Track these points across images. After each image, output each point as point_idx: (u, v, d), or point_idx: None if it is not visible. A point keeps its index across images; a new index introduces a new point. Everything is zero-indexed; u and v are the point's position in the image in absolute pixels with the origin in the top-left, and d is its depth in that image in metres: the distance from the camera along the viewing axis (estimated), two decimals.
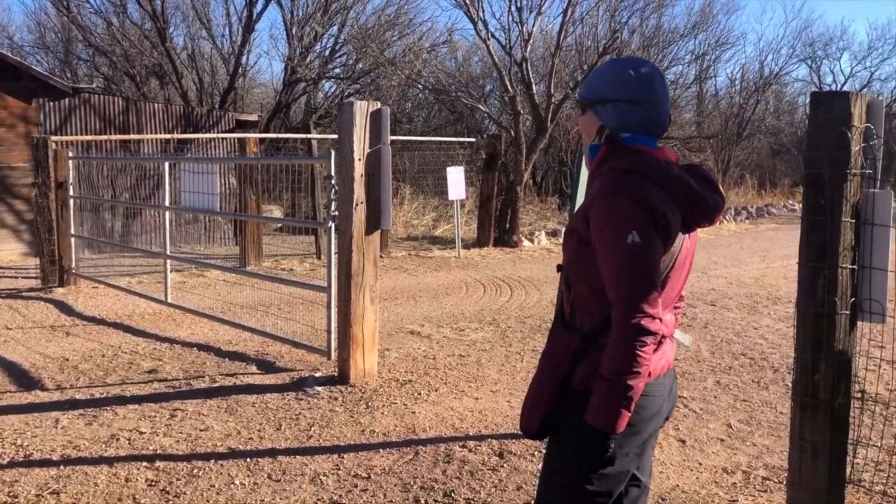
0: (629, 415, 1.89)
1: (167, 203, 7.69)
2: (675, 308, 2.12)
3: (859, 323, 3.10)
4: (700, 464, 3.91)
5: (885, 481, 3.59)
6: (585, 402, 1.95)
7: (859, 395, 4.38)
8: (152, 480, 3.67)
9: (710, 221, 2.04)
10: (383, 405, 4.76)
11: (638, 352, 1.85)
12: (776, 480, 3.68)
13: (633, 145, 2.01)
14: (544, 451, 2.19)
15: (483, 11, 13.66)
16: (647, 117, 2.03)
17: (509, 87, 13.63)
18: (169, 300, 7.45)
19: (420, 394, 5.00)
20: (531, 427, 2.09)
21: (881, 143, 2.93)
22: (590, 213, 1.94)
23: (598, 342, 1.96)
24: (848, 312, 3.02)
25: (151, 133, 13.30)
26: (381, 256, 5.38)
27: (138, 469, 3.79)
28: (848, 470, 3.30)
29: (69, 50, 22.83)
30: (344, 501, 3.48)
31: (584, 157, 2.29)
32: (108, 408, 4.69)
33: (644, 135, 2.03)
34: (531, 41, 13.91)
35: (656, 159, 1.98)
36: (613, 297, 1.89)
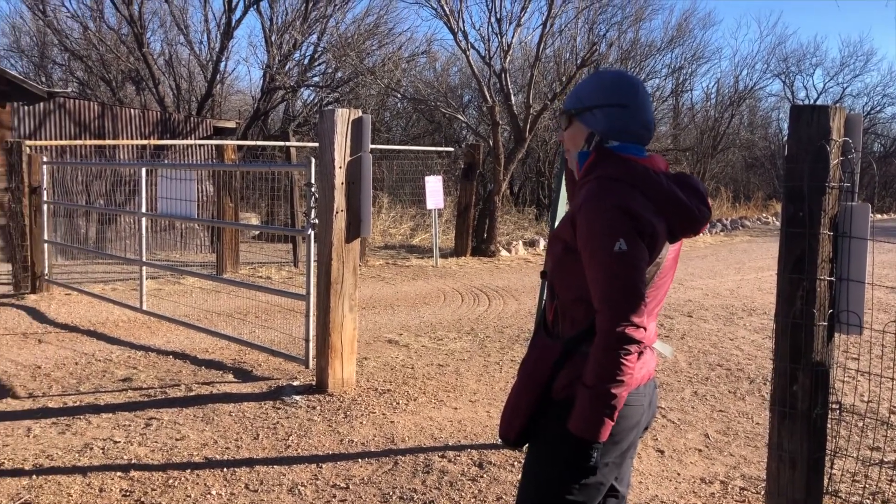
0: (612, 424, 1.89)
1: (143, 209, 7.61)
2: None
3: (836, 334, 3.14)
4: (678, 474, 3.93)
5: (861, 493, 3.62)
6: (565, 411, 1.94)
7: (836, 406, 4.43)
8: (127, 490, 3.61)
9: (695, 232, 2.05)
10: (362, 414, 4.73)
11: (622, 360, 1.85)
12: (754, 491, 3.70)
13: (622, 154, 2.02)
14: (524, 460, 2.18)
15: (463, 22, 13.72)
16: (635, 121, 2.04)
17: (488, 98, 13.68)
18: (144, 307, 7.36)
19: (398, 403, 4.98)
20: (510, 434, 2.08)
21: (859, 156, 2.98)
22: (577, 220, 1.93)
23: (580, 350, 1.96)
24: (826, 324, 3.05)
25: (127, 139, 13.17)
26: (359, 265, 5.36)
27: (113, 479, 3.73)
28: (825, 481, 3.33)
29: (44, 54, 22.58)
30: None
31: (564, 166, 2.29)
32: (82, 416, 4.61)
33: (632, 142, 2.04)
34: (510, 52, 13.98)
35: (645, 168, 1.99)
36: (599, 305, 1.88)
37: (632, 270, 1.87)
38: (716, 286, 10.12)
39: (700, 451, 4.25)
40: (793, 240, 3.02)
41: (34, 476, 3.74)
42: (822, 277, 2.99)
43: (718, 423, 4.71)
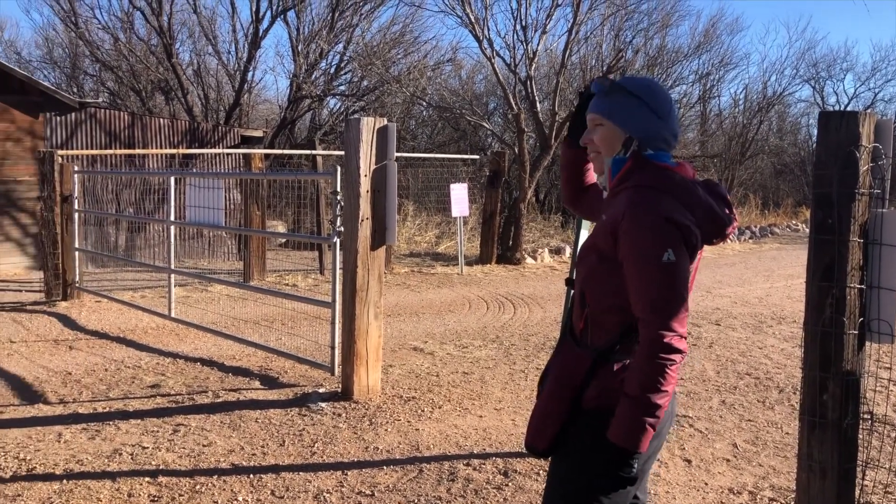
0: (653, 434, 1.88)
1: (172, 217, 7.70)
2: None
3: (867, 343, 3.09)
4: (706, 484, 3.88)
5: None
6: (596, 420, 1.94)
7: (867, 416, 4.36)
8: (155, 496, 3.65)
9: (723, 239, 2.06)
10: (387, 422, 4.74)
11: (667, 370, 1.85)
12: (783, 502, 3.65)
13: (657, 162, 2.02)
14: (549, 470, 2.16)
15: (488, 30, 13.75)
16: (668, 129, 2.06)
17: (513, 105, 13.68)
18: (172, 315, 7.44)
19: (423, 411, 4.98)
20: (541, 444, 2.07)
21: (889, 162, 2.93)
22: (620, 230, 1.92)
23: (612, 359, 1.96)
24: (856, 332, 3.01)
25: (157, 148, 13.35)
26: (384, 272, 5.38)
27: (141, 484, 3.77)
28: (857, 492, 3.27)
29: (76, 65, 23.00)
30: None
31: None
32: (111, 422, 4.67)
33: (663, 150, 2.05)
34: (536, 59, 13.98)
35: (681, 177, 1.99)
36: (644, 315, 1.88)
37: (678, 281, 1.88)
38: (744, 294, 10.01)
39: (728, 460, 4.20)
40: (822, 247, 2.98)
41: (65, 481, 3.79)
42: (852, 285, 2.94)
43: (747, 432, 4.65)
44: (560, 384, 2.03)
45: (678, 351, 1.86)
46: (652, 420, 1.86)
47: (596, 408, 1.95)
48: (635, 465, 1.90)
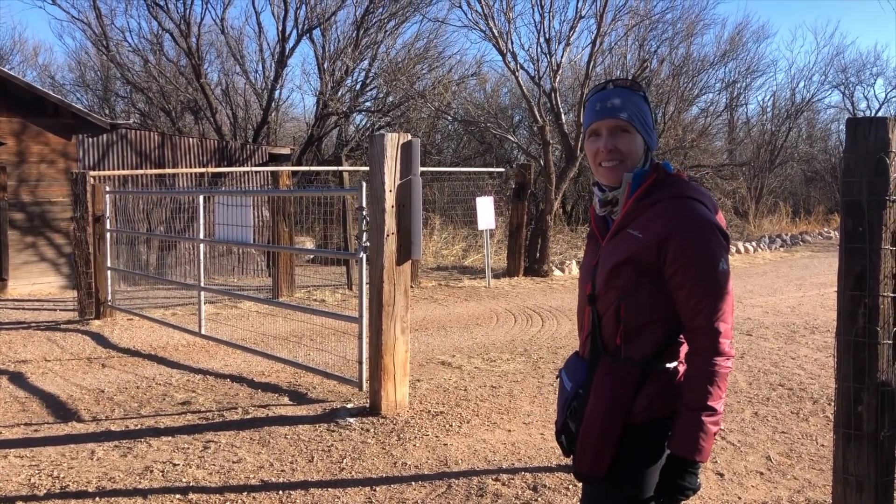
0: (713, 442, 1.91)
1: (202, 236, 7.79)
2: None
3: None
4: (739, 498, 3.82)
5: None
6: (647, 435, 1.94)
7: None
8: None
9: None
10: (415, 437, 4.73)
11: (725, 377, 1.89)
12: None
13: (671, 172, 2.03)
14: (592, 491, 2.09)
15: (512, 44, 13.77)
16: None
17: (538, 118, 13.68)
18: (203, 332, 7.51)
19: (452, 425, 4.96)
20: (601, 469, 1.97)
21: None
22: (671, 243, 1.89)
23: (657, 370, 1.96)
24: (890, 342, 2.95)
25: (186, 167, 13.53)
26: (411, 287, 5.37)
27: (172, 502, 3.80)
28: None
29: (108, 87, 23.46)
30: None
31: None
32: (143, 439, 4.72)
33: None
34: (560, 72, 13.97)
35: (700, 185, 2.01)
36: (703, 324, 1.89)
37: (730, 288, 1.92)
38: (776, 303, 9.86)
39: (762, 473, 4.13)
40: (853, 255, 2.92)
41: (97, 498, 3.83)
42: (885, 294, 2.89)
43: (781, 444, 4.57)
44: (609, 403, 1.96)
45: (731, 357, 1.91)
46: (716, 428, 1.88)
47: (646, 420, 1.94)
48: (699, 476, 1.91)
